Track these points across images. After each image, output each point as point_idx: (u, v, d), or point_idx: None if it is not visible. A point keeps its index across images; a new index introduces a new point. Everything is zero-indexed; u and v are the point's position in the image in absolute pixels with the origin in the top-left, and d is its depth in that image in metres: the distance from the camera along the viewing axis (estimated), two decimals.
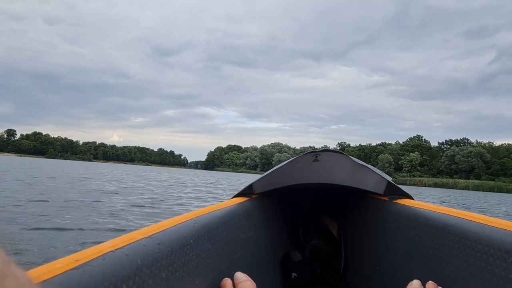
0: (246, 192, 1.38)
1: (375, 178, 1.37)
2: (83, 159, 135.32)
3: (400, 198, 1.24)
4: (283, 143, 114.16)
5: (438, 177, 76.93)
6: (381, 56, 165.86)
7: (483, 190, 58.76)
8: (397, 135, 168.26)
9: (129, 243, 0.60)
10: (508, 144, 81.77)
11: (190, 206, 7.38)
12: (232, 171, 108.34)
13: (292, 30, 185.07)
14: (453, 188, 63.27)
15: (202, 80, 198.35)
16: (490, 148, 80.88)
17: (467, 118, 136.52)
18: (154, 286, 0.60)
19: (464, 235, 0.80)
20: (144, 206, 6.78)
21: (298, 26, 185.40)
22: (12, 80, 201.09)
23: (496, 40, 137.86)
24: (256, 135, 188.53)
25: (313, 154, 1.40)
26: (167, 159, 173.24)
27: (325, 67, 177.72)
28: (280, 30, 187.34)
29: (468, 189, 59.91)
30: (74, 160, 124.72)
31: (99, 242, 0.55)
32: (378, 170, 1.39)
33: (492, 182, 64.95)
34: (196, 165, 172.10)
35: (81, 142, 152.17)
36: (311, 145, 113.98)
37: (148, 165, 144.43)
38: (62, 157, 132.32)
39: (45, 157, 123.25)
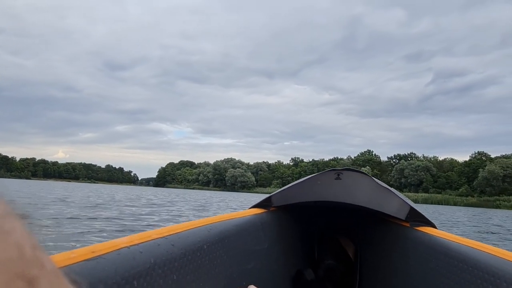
0: (264, 203, 1.40)
1: (397, 202, 1.33)
2: (20, 177, 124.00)
3: (422, 226, 1.20)
4: (236, 159, 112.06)
5: None
6: (331, 76, 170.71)
7: (431, 203, 60.01)
8: (347, 151, 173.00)
9: (144, 241, 0.60)
10: (451, 159, 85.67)
11: None
12: (184, 188, 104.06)
13: (246, 49, 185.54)
14: None
15: (156, 96, 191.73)
16: (436, 162, 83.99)
17: (410, 135, 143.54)
18: (164, 287, 0.60)
19: (488, 271, 0.76)
20: None
21: (252, 45, 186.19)
22: None
23: (432, 64, 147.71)
24: (210, 151, 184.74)
25: (336, 172, 1.43)
26: (115, 176, 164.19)
27: (278, 85, 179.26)
28: (234, 48, 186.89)
29: (418, 202, 60.84)
30: (9, 178, 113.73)
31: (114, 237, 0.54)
32: (401, 194, 1.41)
33: (439, 195, 66.89)
34: (148, 182, 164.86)
35: (18, 159, 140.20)
36: (265, 161, 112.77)
37: (94, 182, 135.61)
38: None
39: None
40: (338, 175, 1.41)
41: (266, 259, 1.20)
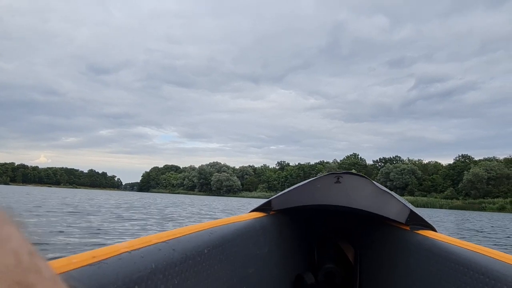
0: (264, 207, 1.41)
1: (397, 205, 1.33)
2: None
3: (422, 229, 1.20)
4: (222, 163, 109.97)
5: None
6: (316, 81, 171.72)
7: (417, 206, 58.57)
8: (332, 155, 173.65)
9: (145, 246, 0.61)
10: (436, 162, 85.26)
11: None
12: (169, 192, 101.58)
13: (231, 53, 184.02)
14: None
15: (141, 100, 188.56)
16: (420, 165, 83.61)
17: (393, 139, 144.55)
18: None
19: (489, 274, 0.76)
20: None
21: (237, 50, 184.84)
22: None
23: (414, 69, 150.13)
24: (196, 156, 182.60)
25: (335, 176, 1.44)
26: (98, 181, 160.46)
27: (264, 89, 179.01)
28: (219, 53, 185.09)
29: None
30: None
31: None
32: (401, 197, 1.42)
33: (425, 198, 66.46)
34: (132, 187, 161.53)
35: None
36: (251, 165, 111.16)
37: (76, 187, 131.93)
38: None
39: None
40: (338, 178, 1.41)
41: (266, 263, 1.20)
